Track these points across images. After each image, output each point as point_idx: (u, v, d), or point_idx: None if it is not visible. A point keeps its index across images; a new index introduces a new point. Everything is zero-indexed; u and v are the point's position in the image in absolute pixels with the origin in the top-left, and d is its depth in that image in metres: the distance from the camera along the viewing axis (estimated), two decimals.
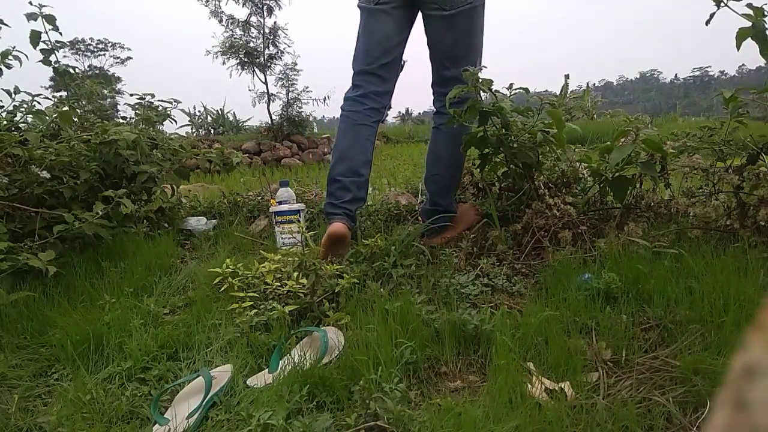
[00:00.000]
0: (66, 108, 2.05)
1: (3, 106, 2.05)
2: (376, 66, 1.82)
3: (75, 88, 2.52)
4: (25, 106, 2.02)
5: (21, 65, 2.03)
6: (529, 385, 1.04)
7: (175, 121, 2.53)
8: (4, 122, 2.00)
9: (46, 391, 1.24)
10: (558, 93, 9.86)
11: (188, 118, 8.74)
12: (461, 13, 1.71)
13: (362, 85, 1.85)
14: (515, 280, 1.52)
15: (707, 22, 1.54)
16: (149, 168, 2.09)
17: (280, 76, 7.33)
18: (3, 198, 1.72)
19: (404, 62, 1.91)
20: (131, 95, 2.40)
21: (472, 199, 2.17)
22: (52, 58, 2.29)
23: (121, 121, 2.67)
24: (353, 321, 1.36)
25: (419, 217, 2.01)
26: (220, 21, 7.21)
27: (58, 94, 2.78)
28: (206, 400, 1.12)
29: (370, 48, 1.82)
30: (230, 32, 7.21)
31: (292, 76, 7.34)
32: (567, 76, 10.18)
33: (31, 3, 2.09)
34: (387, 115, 3.54)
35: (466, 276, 1.52)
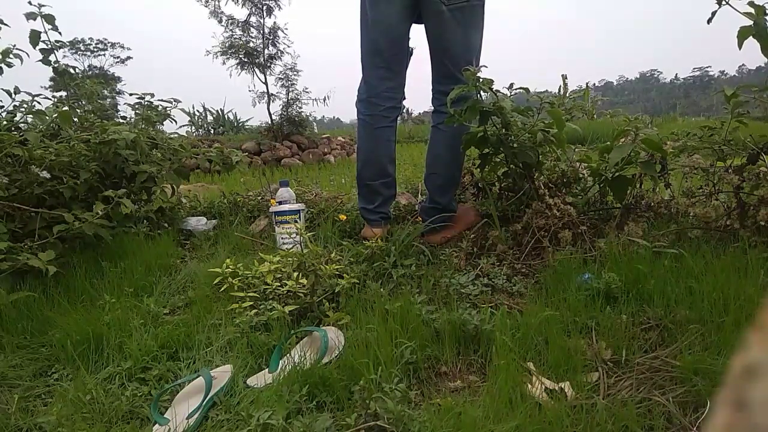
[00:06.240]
0: (66, 108, 2.05)
1: (3, 106, 2.05)
2: (385, 58, 1.80)
3: (75, 88, 2.52)
4: (25, 106, 2.02)
5: (22, 63, 2.03)
6: (529, 385, 1.04)
7: (175, 121, 2.52)
8: (4, 122, 2.00)
9: (46, 391, 1.24)
10: (557, 94, 9.87)
11: (188, 118, 8.74)
12: (460, 10, 1.70)
13: (373, 82, 1.83)
14: (515, 280, 1.52)
15: (709, 21, 1.53)
16: (149, 168, 2.09)
17: (279, 76, 7.34)
18: (3, 198, 1.72)
19: (412, 49, 1.87)
20: (131, 95, 2.40)
21: (472, 199, 2.17)
22: (52, 58, 2.29)
23: (121, 120, 2.66)
24: (353, 321, 1.36)
25: (419, 215, 2.01)
26: (220, 21, 7.22)
27: (58, 94, 2.78)
28: (206, 400, 1.12)
29: (377, 39, 1.79)
30: (230, 32, 7.21)
31: (292, 77, 7.34)
32: (564, 77, 10.19)
33: (30, 3, 2.09)
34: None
35: (466, 276, 1.52)
